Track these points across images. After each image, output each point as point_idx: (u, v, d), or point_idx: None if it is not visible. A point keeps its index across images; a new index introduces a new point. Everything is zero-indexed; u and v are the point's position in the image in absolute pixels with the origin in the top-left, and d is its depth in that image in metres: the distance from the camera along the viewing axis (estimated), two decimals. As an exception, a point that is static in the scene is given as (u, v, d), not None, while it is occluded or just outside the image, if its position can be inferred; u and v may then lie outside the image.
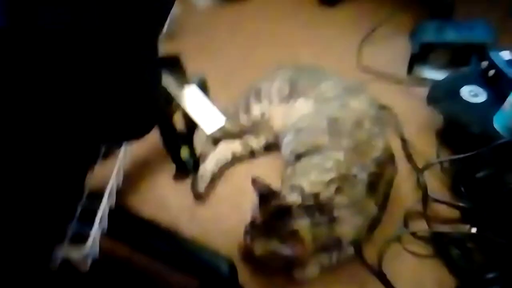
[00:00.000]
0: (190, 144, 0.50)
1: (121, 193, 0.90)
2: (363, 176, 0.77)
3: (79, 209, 0.43)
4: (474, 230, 0.80)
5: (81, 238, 0.44)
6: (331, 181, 0.75)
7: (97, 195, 0.51)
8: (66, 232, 0.41)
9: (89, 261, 0.41)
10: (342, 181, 0.75)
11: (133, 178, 0.93)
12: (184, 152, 0.50)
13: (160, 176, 0.93)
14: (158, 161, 0.96)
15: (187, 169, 0.51)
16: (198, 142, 0.95)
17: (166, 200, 0.89)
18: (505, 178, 0.79)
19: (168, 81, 0.41)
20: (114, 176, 0.46)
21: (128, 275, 0.77)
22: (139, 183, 0.92)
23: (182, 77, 0.43)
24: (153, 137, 0.89)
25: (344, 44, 1.27)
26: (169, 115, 0.46)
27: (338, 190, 0.74)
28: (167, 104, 0.46)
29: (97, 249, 0.41)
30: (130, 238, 0.67)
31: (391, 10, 1.31)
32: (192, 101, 0.43)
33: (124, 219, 0.66)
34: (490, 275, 0.69)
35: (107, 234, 0.53)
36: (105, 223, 0.42)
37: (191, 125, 0.48)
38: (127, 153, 0.50)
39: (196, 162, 0.53)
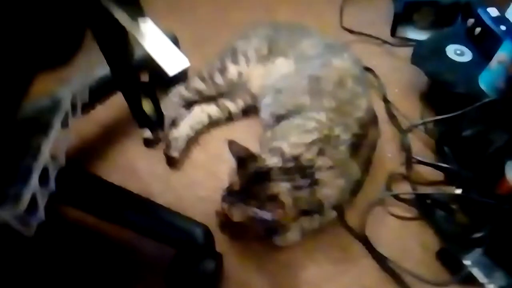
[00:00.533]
0: (152, 96, 0.44)
1: (87, 160, 0.84)
2: (346, 137, 0.72)
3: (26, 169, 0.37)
4: (458, 191, 0.78)
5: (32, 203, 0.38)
6: (312, 143, 0.71)
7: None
8: (5, 193, 0.36)
9: (34, 224, 0.35)
10: (324, 143, 0.71)
11: (101, 144, 0.86)
12: (147, 105, 0.44)
13: (130, 141, 0.87)
14: (127, 125, 0.89)
15: (151, 124, 0.45)
16: (170, 105, 0.89)
17: (137, 167, 0.83)
18: (490, 137, 0.77)
19: (119, 14, 0.35)
20: (57, 120, 0.39)
21: (96, 246, 0.72)
22: (108, 149, 0.85)
23: (136, 10, 0.37)
24: (120, 101, 0.83)
25: (325, 3, 1.21)
26: (125, 56, 0.40)
27: (320, 152, 0.70)
28: (122, 44, 0.39)
29: (41, 211, 0.36)
30: (94, 205, 0.61)
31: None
32: (151, 38, 0.37)
33: (86, 183, 0.60)
34: (477, 235, 0.68)
35: (65, 201, 0.48)
36: (52, 183, 0.37)
37: (153, 72, 0.42)
38: (78, 94, 0.43)
39: (160, 116, 0.47)
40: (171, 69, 0.37)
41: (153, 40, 0.37)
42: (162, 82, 0.50)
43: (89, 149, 0.84)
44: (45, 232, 0.44)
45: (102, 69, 0.56)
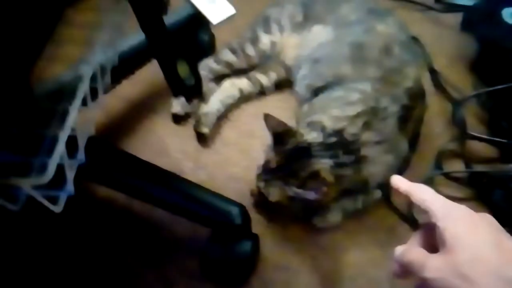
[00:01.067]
0: (189, 59, 0.39)
1: (115, 138, 0.81)
2: (394, 109, 0.66)
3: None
4: (517, 169, 0.70)
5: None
6: (357, 116, 0.64)
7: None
8: (30, 164, 0.32)
9: (62, 199, 0.31)
10: (370, 115, 0.65)
11: (129, 120, 0.82)
12: (183, 69, 0.39)
13: (159, 117, 0.82)
14: (155, 102, 0.85)
15: (186, 89, 0.40)
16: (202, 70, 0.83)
17: (166, 144, 0.79)
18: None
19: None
20: (69, 122, 0.34)
21: (127, 225, 0.69)
22: (136, 126, 0.81)
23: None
24: (150, 74, 0.78)
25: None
26: (159, 9, 0.35)
27: (365, 126, 0.64)
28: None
29: (70, 183, 0.32)
30: (125, 183, 0.58)
31: None
32: None
33: (116, 159, 0.56)
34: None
35: (94, 178, 0.44)
36: (81, 153, 0.33)
37: (193, 30, 0.37)
38: (99, 87, 0.39)
39: (198, 81, 0.42)
40: (215, 17, 0.32)
41: None
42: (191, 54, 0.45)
43: (116, 126, 0.81)
44: (74, 211, 0.41)
45: (132, 37, 0.51)
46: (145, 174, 0.63)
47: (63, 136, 0.32)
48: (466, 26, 0.87)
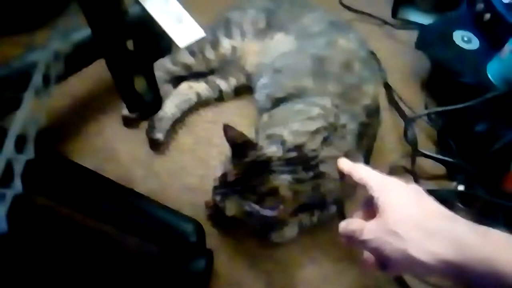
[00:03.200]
0: (148, 72, 0.35)
1: (58, 140, 0.74)
2: (353, 126, 0.66)
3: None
4: (461, 187, 0.74)
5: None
6: (317, 131, 0.64)
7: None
8: None
9: (10, 197, 0.27)
10: (330, 131, 0.64)
11: (74, 121, 0.76)
12: (140, 82, 0.35)
13: (108, 119, 0.77)
14: (105, 101, 0.79)
15: (144, 106, 0.36)
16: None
17: (115, 149, 0.74)
18: (498, 132, 0.73)
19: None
20: (23, 110, 0.30)
21: (70, 240, 0.63)
22: (82, 128, 0.75)
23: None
24: (100, 70, 0.72)
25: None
26: (116, 22, 0.31)
27: (325, 142, 0.64)
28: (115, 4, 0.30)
29: (3, 220, 0.27)
30: (66, 195, 0.52)
31: None
32: (158, 4, 0.29)
33: (57, 169, 0.51)
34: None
35: (35, 191, 0.39)
36: (19, 183, 0.28)
37: (152, 41, 0.33)
38: (51, 75, 0.34)
39: (157, 97, 0.38)
40: (182, 40, 0.29)
41: (162, 7, 0.28)
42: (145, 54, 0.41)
43: (60, 128, 0.74)
44: (16, 226, 0.36)
45: (80, 33, 0.46)
46: (88, 184, 0.58)
47: (11, 137, 0.27)
48: (420, 44, 0.90)
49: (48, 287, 0.58)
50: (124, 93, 0.37)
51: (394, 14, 1.05)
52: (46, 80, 0.34)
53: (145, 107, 0.39)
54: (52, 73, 0.35)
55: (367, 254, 0.48)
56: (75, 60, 0.42)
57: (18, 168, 0.29)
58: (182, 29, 0.30)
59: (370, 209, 0.47)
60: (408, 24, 1.03)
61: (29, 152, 0.30)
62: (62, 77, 0.37)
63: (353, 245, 0.47)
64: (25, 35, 0.34)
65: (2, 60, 0.39)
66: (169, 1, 0.30)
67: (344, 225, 0.47)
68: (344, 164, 0.53)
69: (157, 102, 0.40)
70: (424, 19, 1.02)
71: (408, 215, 0.42)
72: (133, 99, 0.37)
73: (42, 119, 0.33)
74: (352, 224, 0.46)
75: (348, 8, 1.05)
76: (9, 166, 0.28)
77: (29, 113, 0.31)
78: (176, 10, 0.30)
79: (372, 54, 0.93)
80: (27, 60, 0.37)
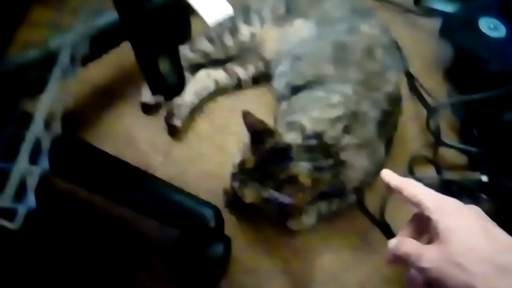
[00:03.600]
0: (172, 53, 0.35)
1: (78, 127, 0.75)
2: (374, 114, 0.65)
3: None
4: (485, 178, 0.72)
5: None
6: (337, 119, 0.63)
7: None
8: None
9: (21, 214, 0.27)
10: (351, 119, 0.63)
11: (94, 108, 0.76)
12: (164, 64, 0.35)
13: (127, 106, 0.77)
14: (124, 89, 0.79)
15: (167, 88, 0.36)
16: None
17: (135, 136, 0.74)
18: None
19: None
20: (52, 88, 0.30)
21: (90, 224, 0.64)
22: (102, 115, 0.76)
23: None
24: (119, 58, 0.72)
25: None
26: (142, 4, 0.31)
27: (345, 130, 0.63)
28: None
29: (32, 196, 0.27)
30: (88, 178, 0.53)
31: None
32: None
33: (80, 155, 0.51)
34: None
35: (56, 174, 0.39)
36: (46, 161, 0.28)
37: (178, 23, 0.33)
38: (78, 55, 0.34)
39: (181, 79, 0.38)
40: (211, 16, 0.29)
41: None
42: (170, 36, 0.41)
43: (80, 113, 0.74)
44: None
45: (107, 15, 0.46)
46: (109, 169, 0.58)
47: (28, 141, 0.27)
48: (444, 32, 0.87)
49: (65, 270, 0.59)
50: (149, 75, 0.37)
51: (417, 1, 1.02)
52: (72, 61, 0.34)
53: (168, 89, 0.39)
54: (78, 54, 0.35)
55: (414, 272, 0.43)
56: (100, 42, 0.42)
57: (46, 145, 0.29)
58: (211, 6, 0.29)
59: (421, 226, 0.43)
60: (431, 12, 1.00)
61: (56, 130, 0.30)
62: (88, 59, 0.37)
63: (402, 264, 0.42)
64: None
65: (28, 40, 0.40)
66: None
67: (396, 245, 0.42)
68: (392, 178, 0.44)
69: (180, 84, 0.40)
70: (448, 7, 0.99)
71: (476, 246, 0.37)
72: (157, 81, 0.37)
73: (68, 99, 0.33)
74: (406, 245, 0.41)
75: (369, -4, 1.02)
76: (37, 143, 0.28)
77: (56, 92, 0.31)
78: None
79: (394, 42, 0.91)
80: (55, 42, 0.37)
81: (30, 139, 0.28)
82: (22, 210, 0.27)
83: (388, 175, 0.45)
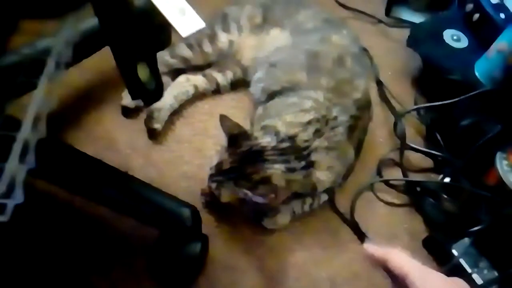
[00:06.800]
0: (151, 60, 0.38)
1: (60, 129, 0.76)
2: (344, 119, 0.69)
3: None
4: (447, 179, 0.77)
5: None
6: (309, 123, 0.67)
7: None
8: None
9: (10, 207, 0.29)
10: (321, 123, 0.67)
11: (75, 110, 0.78)
12: (143, 71, 0.37)
13: (108, 109, 0.79)
14: (104, 92, 0.81)
15: (146, 94, 0.39)
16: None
17: (115, 138, 0.76)
18: (483, 127, 0.76)
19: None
20: (39, 93, 0.33)
21: (70, 224, 0.65)
22: (82, 117, 0.77)
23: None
24: (99, 62, 0.74)
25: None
26: (124, 12, 0.33)
27: (316, 133, 0.67)
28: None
29: (21, 191, 0.30)
30: (68, 179, 0.55)
31: None
32: None
33: (61, 156, 0.53)
34: (474, 228, 0.67)
35: (37, 175, 0.41)
36: (32, 159, 0.31)
37: (154, 32, 0.36)
38: (62, 61, 0.37)
39: (159, 86, 0.41)
40: (185, 30, 0.32)
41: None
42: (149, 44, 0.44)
43: (61, 116, 0.76)
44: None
45: (88, 22, 0.48)
46: (89, 169, 0.60)
47: (19, 142, 0.30)
48: (411, 42, 0.93)
49: (48, 268, 0.61)
50: (128, 80, 0.39)
51: (388, 12, 1.07)
52: (57, 66, 0.37)
53: (147, 94, 0.42)
54: (63, 59, 0.38)
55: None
56: (82, 47, 0.44)
57: (32, 145, 0.31)
58: (185, 20, 0.32)
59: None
60: (401, 23, 1.06)
61: (42, 131, 0.32)
62: (70, 64, 0.39)
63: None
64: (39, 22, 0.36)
65: (12, 46, 0.42)
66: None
67: None
68: (374, 250, 0.43)
69: (159, 90, 0.43)
70: (417, 18, 1.05)
71: None
72: (137, 86, 0.39)
73: (53, 102, 0.36)
74: None
75: (343, 6, 1.08)
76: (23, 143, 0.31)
77: (42, 96, 0.34)
78: (179, 2, 0.33)
79: (365, 51, 0.96)
80: (39, 47, 0.39)
81: (20, 140, 0.31)
82: (11, 204, 0.29)
83: (371, 248, 0.44)
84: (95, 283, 0.61)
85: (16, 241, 0.61)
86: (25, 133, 0.31)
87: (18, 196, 0.30)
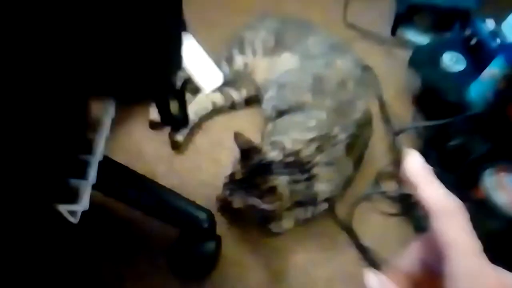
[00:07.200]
0: (181, 100, 0.48)
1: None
2: (343, 137, 0.78)
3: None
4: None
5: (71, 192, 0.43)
6: (312, 140, 0.76)
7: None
8: (67, 186, 0.40)
9: (79, 213, 0.40)
10: (323, 141, 0.76)
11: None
12: (174, 106, 0.47)
13: (136, 123, 0.90)
14: (135, 107, 0.92)
15: (175, 122, 0.49)
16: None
17: (142, 149, 0.87)
18: (472, 146, 0.84)
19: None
20: (106, 126, 0.44)
21: (109, 223, 0.77)
22: (114, 130, 0.89)
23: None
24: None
25: (331, -3, 1.23)
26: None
27: (318, 149, 0.76)
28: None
29: (87, 200, 0.40)
30: (115, 189, 0.66)
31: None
32: (189, 53, 0.40)
33: (110, 171, 0.64)
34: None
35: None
36: (95, 176, 0.41)
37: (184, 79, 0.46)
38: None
39: (185, 116, 0.51)
40: (207, 86, 0.41)
41: (191, 56, 0.41)
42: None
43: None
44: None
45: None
46: (122, 176, 0.71)
47: (94, 163, 0.41)
48: (412, 63, 1.00)
49: (85, 260, 0.72)
50: (162, 113, 0.50)
51: (394, 33, 1.15)
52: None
53: (176, 123, 0.52)
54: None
55: None
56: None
57: (87, 191, 0.42)
58: (207, 76, 0.41)
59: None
60: (406, 43, 1.13)
61: (93, 177, 0.43)
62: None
63: None
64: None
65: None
66: (200, 55, 0.42)
67: None
68: (414, 168, 0.29)
69: (185, 120, 0.53)
70: (422, 38, 1.12)
71: None
72: (168, 117, 0.50)
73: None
74: None
75: (352, 27, 1.16)
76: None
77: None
78: (204, 62, 0.42)
79: (370, 69, 1.04)
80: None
81: (95, 161, 0.41)
82: (80, 210, 0.40)
83: (411, 163, 0.29)
84: (124, 274, 0.72)
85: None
86: (99, 155, 0.41)
87: (85, 203, 0.41)
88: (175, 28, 0.35)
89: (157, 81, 0.38)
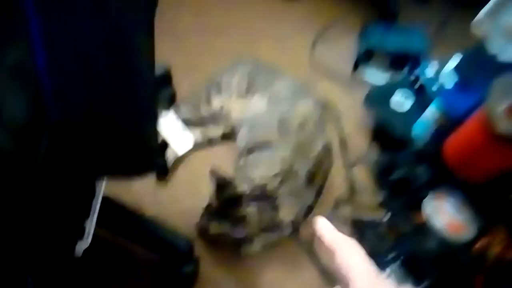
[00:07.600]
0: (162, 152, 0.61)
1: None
2: (302, 172, 0.92)
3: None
4: (387, 217, 0.99)
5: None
6: (276, 175, 0.90)
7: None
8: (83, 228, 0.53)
9: (82, 248, 0.52)
10: (285, 175, 0.90)
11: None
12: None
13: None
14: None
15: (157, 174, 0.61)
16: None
17: (130, 182, 0.99)
18: (415, 176, 0.98)
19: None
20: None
21: (99, 250, 0.88)
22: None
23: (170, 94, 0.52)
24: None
25: (300, 39, 1.38)
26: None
27: (282, 182, 0.89)
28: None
29: (89, 239, 0.53)
30: (107, 222, 0.78)
31: (346, 8, 1.43)
32: (167, 124, 0.53)
33: (109, 208, 0.76)
34: (391, 255, 0.89)
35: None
36: (96, 215, 0.54)
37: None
38: None
39: (166, 169, 0.63)
40: (181, 148, 0.54)
41: (169, 127, 0.53)
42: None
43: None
44: None
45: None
46: (112, 210, 0.83)
47: (97, 207, 0.53)
48: (367, 103, 1.15)
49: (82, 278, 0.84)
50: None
51: (354, 71, 1.30)
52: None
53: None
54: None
55: None
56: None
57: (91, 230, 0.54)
58: (180, 140, 0.54)
59: None
60: (364, 82, 1.28)
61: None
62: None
63: None
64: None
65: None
66: (176, 124, 0.54)
67: None
68: (325, 230, 0.36)
69: (165, 171, 0.66)
70: (378, 78, 1.28)
71: None
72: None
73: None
74: None
75: (316, 67, 1.31)
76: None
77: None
78: (179, 131, 0.55)
79: (332, 106, 1.19)
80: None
81: (97, 205, 0.54)
82: (85, 247, 0.52)
83: (321, 226, 0.36)
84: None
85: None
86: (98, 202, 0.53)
87: (88, 241, 0.53)
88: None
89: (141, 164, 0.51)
